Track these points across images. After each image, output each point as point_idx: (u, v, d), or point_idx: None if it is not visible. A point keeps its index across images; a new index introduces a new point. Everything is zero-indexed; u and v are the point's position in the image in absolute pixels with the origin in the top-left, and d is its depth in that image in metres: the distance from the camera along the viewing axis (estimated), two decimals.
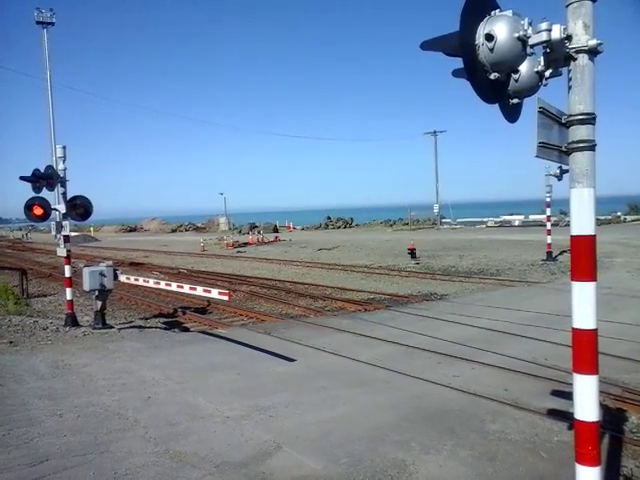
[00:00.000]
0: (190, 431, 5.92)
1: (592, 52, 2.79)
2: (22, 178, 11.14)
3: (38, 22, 34.69)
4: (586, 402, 2.90)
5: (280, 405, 6.69)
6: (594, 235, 2.88)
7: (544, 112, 2.94)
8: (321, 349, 9.53)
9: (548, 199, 23.43)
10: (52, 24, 35.07)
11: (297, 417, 6.32)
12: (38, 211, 10.99)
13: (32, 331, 10.99)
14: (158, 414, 6.45)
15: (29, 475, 4.88)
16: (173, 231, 77.77)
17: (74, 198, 11.46)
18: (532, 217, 53.94)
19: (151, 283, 11.47)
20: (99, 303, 11.37)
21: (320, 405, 6.71)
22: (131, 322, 13.19)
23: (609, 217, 50.33)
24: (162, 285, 11.35)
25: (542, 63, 2.87)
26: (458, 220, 62.33)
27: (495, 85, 2.86)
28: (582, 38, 2.76)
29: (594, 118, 2.84)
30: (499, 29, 2.69)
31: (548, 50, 2.82)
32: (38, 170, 11.12)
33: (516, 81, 2.92)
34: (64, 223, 11.61)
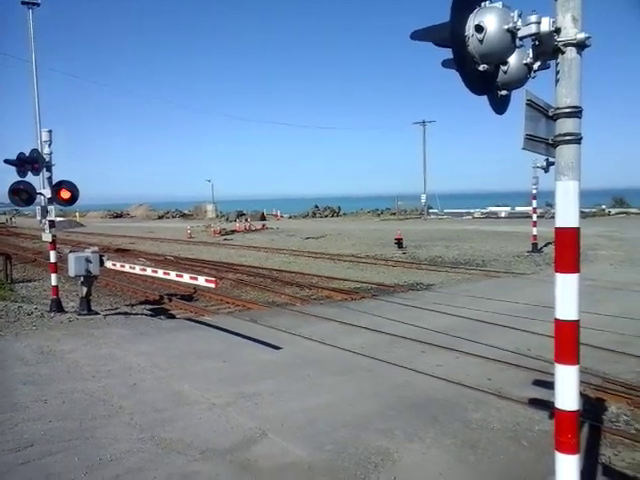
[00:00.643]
0: (176, 418, 5.93)
1: (580, 45, 2.80)
2: (7, 161, 11.00)
3: (23, 2, 34.07)
4: (567, 392, 2.94)
5: (266, 392, 6.72)
6: (578, 228, 2.91)
7: (532, 105, 2.95)
8: (307, 337, 9.57)
9: (534, 191, 23.61)
10: (37, 4, 34.43)
11: (282, 404, 6.35)
12: (23, 195, 10.87)
13: (16, 317, 10.91)
14: (144, 401, 6.45)
15: (14, 460, 4.87)
16: (160, 218, 77.25)
17: (60, 183, 11.34)
18: (518, 209, 54.29)
19: (137, 270, 11.42)
20: (84, 289, 11.30)
21: (305, 393, 6.76)
22: (117, 308, 13.12)
23: (594, 210, 50.76)
24: (148, 272, 11.29)
25: (531, 55, 2.88)
26: (445, 211, 62.60)
27: (484, 76, 2.87)
28: (570, 31, 2.77)
29: (581, 111, 2.86)
30: (489, 21, 2.69)
31: (537, 43, 2.83)
32: (23, 154, 10.97)
33: (505, 73, 2.93)
34: (49, 208, 11.49)
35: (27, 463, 4.83)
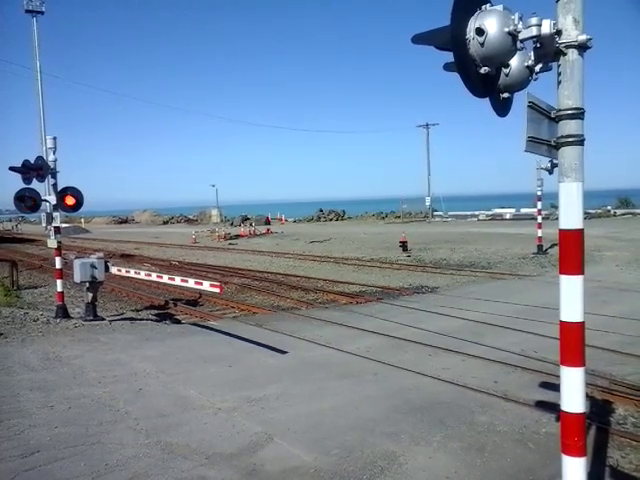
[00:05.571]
0: (181, 423, 5.93)
1: (582, 47, 2.80)
2: (12, 169, 11.06)
3: (27, 11, 34.31)
4: (573, 394, 2.93)
5: (271, 397, 6.72)
6: (582, 229, 2.90)
7: (534, 107, 2.95)
8: (312, 341, 9.56)
9: (539, 192, 23.55)
10: (42, 13, 34.69)
11: (288, 409, 6.35)
12: (28, 202, 10.92)
13: (22, 323, 10.94)
14: (149, 406, 6.46)
15: (20, 466, 4.88)
16: (165, 223, 77.51)
17: (65, 189, 11.39)
18: (523, 210, 54.15)
19: (142, 275, 11.44)
20: (90, 295, 11.34)
21: (311, 397, 6.75)
22: (122, 314, 13.16)
23: (599, 211, 50.53)
24: (153, 277, 11.32)
25: (532, 58, 2.87)
26: (450, 213, 62.46)
27: (485, 79, 2.87)
28: (572, 33, 2.77)
29: (583, 113, 2.86)
30: (490, 23, 2.70)
31: (538, 45, 2.83)
32: (28, 161, 11.04)
33: (506, 75, 2.93)
34: (55, 214, 11.54)
35: (33, 469, 4.84)
